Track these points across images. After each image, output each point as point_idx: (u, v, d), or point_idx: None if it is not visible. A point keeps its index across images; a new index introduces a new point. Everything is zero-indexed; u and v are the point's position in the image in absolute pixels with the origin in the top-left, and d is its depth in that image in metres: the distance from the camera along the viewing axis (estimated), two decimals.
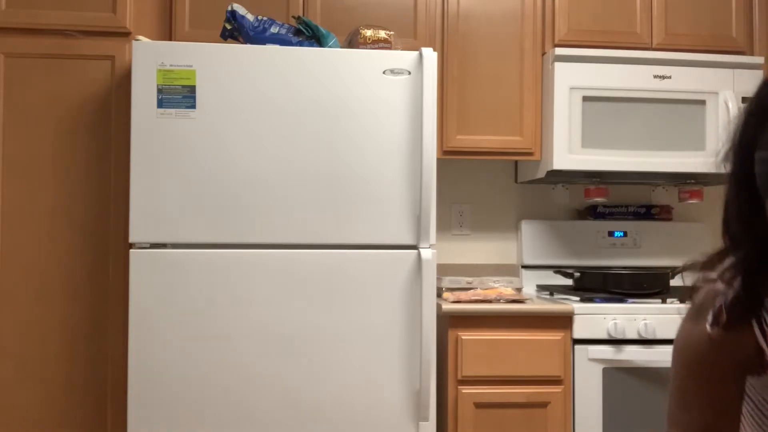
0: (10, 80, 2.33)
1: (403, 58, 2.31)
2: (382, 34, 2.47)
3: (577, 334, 2.47)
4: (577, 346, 2.47)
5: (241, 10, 2.39)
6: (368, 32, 2.46)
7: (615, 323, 2.44)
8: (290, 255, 2.26)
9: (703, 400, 1.00)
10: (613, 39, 2.81)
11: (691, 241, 3.03)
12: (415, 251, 2.30)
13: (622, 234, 3.06)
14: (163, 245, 2.25)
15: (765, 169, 0.91)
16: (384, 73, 2.30)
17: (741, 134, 0.95)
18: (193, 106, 2.24)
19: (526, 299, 2.57)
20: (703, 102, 2.72)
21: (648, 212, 3.13)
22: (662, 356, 2.42)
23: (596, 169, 2.72)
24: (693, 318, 1.00)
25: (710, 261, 0.98)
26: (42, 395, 2.32)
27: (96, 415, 2.33)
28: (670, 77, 2.72)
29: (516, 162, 3.10)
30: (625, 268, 2.96)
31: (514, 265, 3.11)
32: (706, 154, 2.70)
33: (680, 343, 1.02)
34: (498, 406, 2.44)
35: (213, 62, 2.25)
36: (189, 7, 2.66)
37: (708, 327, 0.96)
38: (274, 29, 2.39)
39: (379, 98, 2.29)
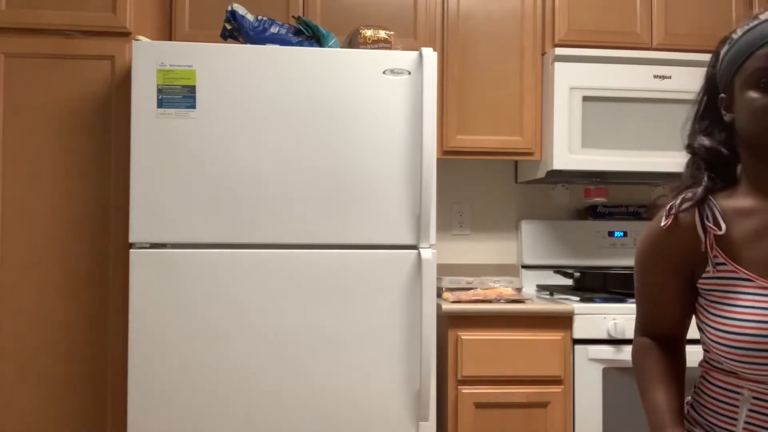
0: (10, 80, 2.33)
1: (403, 58, 2.31)
2: (382, 34, 2.47)
3: (577, 334, 2.47)
4: (577, 346, 2.47)
5: (241, 10, 2.39)
6: (368, 32, 2.46)
7: (615, 323, 2.44)
8: (290, 255, 2.26)
9: (654, 281, 1.28)
10: (613, 39, 2.81)
11: None
12: (415, 251, 2.30)
13: (622, 234, 3.06)
14: (163, 245, 2.25)
15: (724, 64, 1.18)
16: (384, 73, 2.30)
17: (727, 61, 1.19)
18: (193, 106, 2.24)
19: (526, 299, 2.57)
20: None
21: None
22: None
23: (596, 169, 2.72)
24: (653, 224, 1.23)
25: (672, 190, 1.22)
26: (42, 395, 2.32)
27: (96, 415, 2.33)
28: (670, 77, 2.72)
29: (516, 162, 3.10)
30: (625, 268, 2.96)
31: (514, 265, 3.11)
32: None
33: (642, 240, 1.29)
34: (498, 406, 2.44)
35: (213, 62, 2.25)
36: (189, 7, 2.66)
37: (661, 222, 1.21)
38: (274, 29, 2.39)
39: (379, 98, 2.29)
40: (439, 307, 2.45)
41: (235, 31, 2.40)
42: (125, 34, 2.36)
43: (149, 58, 2.23)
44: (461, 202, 3.11)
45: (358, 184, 2.28)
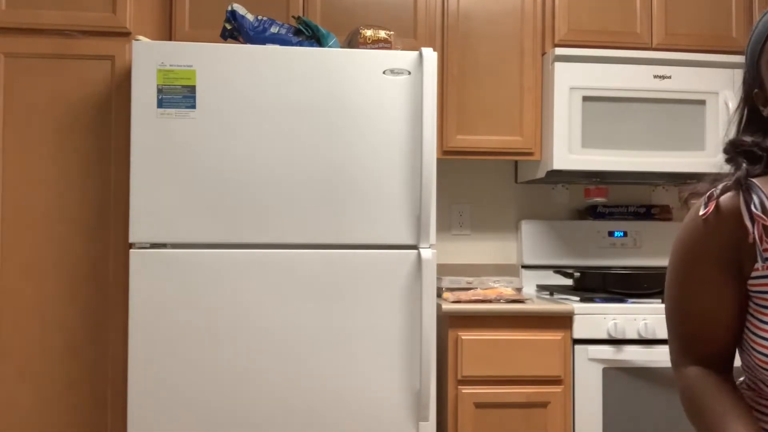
0: (10, 80, 2.33)
1: (403, 58, 2.31)
2: (382, 34, 2.47)
3: (577, 334, 2.47)
4: (577, 346, 2.47)
5: (241, 10, 2.39)
6: (368, 32, 2.46)
7: (615, 323, 2.44)
8: (290, 255, 2.26)
9: (698, 286, 1.03)
10: (613, 39, 2.81)
11: None
12: (415, 251, 2.30)
13: (622, 234, 3.06)
14: (163, 245, 2.25)
15: (748, 57, 1.05)
16: (384, 73, 2.30)
17: (750, 53, 1.05)
18: (193, 106, 2.24)
19: (526, 299, 2.57)
20: (703, 102, 2.72)
21: (648, 212, 3.13)
22: (662, 356, 2.42)
23: (596, 169, 2.72)
24: (688, 217, 1.05)
25: (710, 181, 1.04)
26: (42, 395, 2.32)
27: (96, 415, 2.33)
28: (670, 77, 2.72)
29: (516, 162, 3.10)
30: (625, 268, 2.95)
31: (514, 265, 3.11)
32: (706, 154, 2.70)
33: (677, 239, 1.06)
34: (498, 406, 2.44)
35: (213, 62, 2.25)
36: (189, 7, 2.66)
37: (700, 211, 1.01)
38: (274, 29, 2.39)
39: (379, 98, 2.29)
40: (439, 307, 2.45)
41: (235, 31, 2.40)
42: (125, 34, 2.36)
43: (149, 58, 2.23)
44: (461, 202, 3.11)
45: (358, 184, 2.28)
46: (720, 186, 1.02)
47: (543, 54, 2.81)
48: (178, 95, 2.24)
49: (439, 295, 2.59)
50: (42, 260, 2.33)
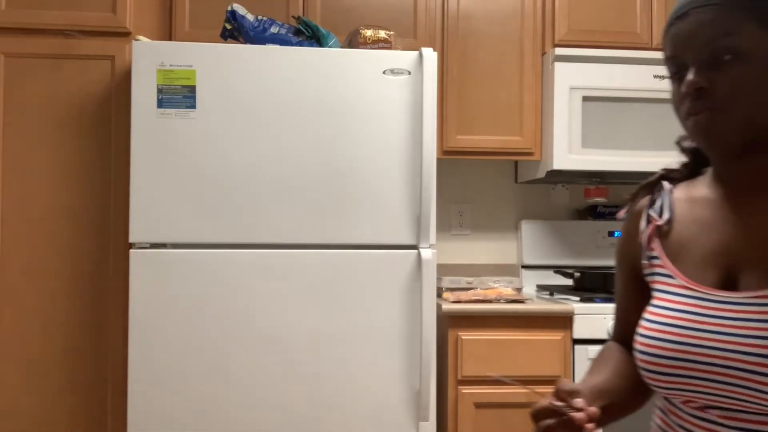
0: (10, 80, 2.33)
1: (403, 58, 2.31)
2: (382, 34, 2.47)
3: (577, 334, 2.47)
4: (577, 346, 2.47)
5: (241, 10, 2.39)
6: (368, 32, 2.46)
7: None
8: (290, 255, 2.26)
9: (618, 281, 1.13)
10: (612, 39, 2.81)
11: None
12: (415, 251, 2.30)
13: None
14: (163, 245, 2.25)
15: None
16: (384, 73, 2.30)
17: None
18: (193, 106, 2.24)
19: (526, 299, 2.57)
20: None
21: None
22: None
23: (596, 169, 2.72)
24: None
25: (648, 185, 1.08)
26: (42, 395, 2.32)
27: (96, 415, 2.33)
28: None
29: (516, 162, 3.10)
30: None
31: (514, 265, 3.11)
32: None
33: None
34: (498, 406, 2.44)
35: (213, 62, 2.25)
36: (189, 7, 2.66)
37: (618, 215, 1.10)
38: (274, 29, 2.39)
39: (379, 98, 2.29)
40: (439, 307, 2.45)
41: (235, 31, 2.40)
42: (125, 34, 2.36)
43: (149, 58, 2.23)
44: (461, 202, 3.11)
45: (358, 184, 2.28)
46: (638, 187, 1.08)
47: (543, 54, 2.81)
48: (178, 95, 2.23)
49: (439, 295, 2.59)
50: (42, 260, 2.33)
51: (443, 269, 2.93)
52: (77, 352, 2.33)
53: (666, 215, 1.01)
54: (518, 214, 3.13)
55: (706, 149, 0.96)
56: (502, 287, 2.63)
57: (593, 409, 0.88)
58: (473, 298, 2.51)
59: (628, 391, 1.04)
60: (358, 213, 2.28)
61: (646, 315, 0.98)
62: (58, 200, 2.34)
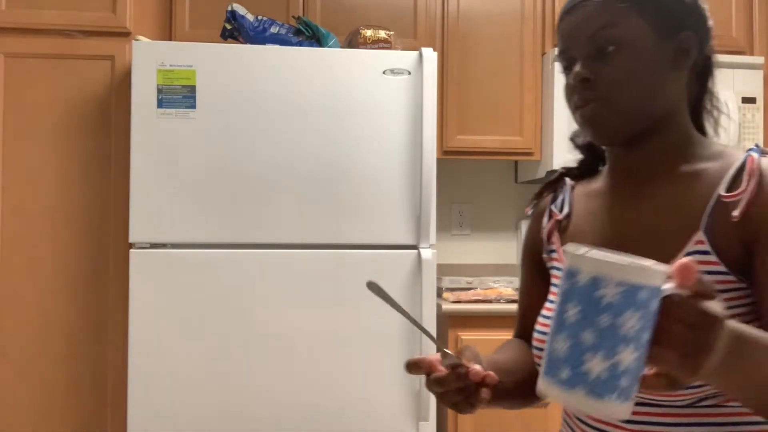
0: (10, 80, 2.33)
1: (403, 58, 2.31)
2: (382, 34, 2.47)
3: None
4: None
5: (241, 10, 2.39)
6: (368, 32, 2.46)
7: None
8: (290, 255, 2.26)
9: (523, 278, 1.14)
10: None
11: None
12: (415, 251, 2.30)
13: None
14: (163, 245, 2.25)
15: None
16: (384, 73, 2.30)
17: None
18: (193, 106, 2.24)
19: None
20: None
21: None
22: None
23: None
24: None
25: (551, 183, 1.09)
26: (42, 395, 2.32)
27: (96, 415, 2.33)
28: None
29: (516, 162, 3.10)
30: None
31: (514, 265, 3.11)
32: None
33: None
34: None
35: (213, 62, 2.25)
36: (189, 7, 2.66)
37: (525, 210, 1.12)
38: (274, 29, 2.39)
39: (379, 98, 2.29)
40: (439, 307, 2.45)
41: (235, 31, 2.40)
42: (125, 34, 2.36)
43: (149, 58, 2.23)
44: (461, 202, 3.11)
45: (358, 184, 2.28)
46: (542, 185, 1.09)
47: (543, 54, 2.81)
48: (178, 95, 2.23)
49: (439, 295, 2.59)
50: (42, 260, 2.33)
51: (443, 269, 2.93)
52: (77, 352, 2.33)
53: (566, 210, 1.02)
54: (518, 214, 3.13)
55: (594, 140, 0.96)
56: (502, 287, 2.63)
57: (491, 374, 0.88)
58: (473, 298, 2.51)
59: (524, 380, 1.03)
60: (358, 213, 2.28)
61: (543, 311, 0.99)
62: (58, 200, 2.34)
